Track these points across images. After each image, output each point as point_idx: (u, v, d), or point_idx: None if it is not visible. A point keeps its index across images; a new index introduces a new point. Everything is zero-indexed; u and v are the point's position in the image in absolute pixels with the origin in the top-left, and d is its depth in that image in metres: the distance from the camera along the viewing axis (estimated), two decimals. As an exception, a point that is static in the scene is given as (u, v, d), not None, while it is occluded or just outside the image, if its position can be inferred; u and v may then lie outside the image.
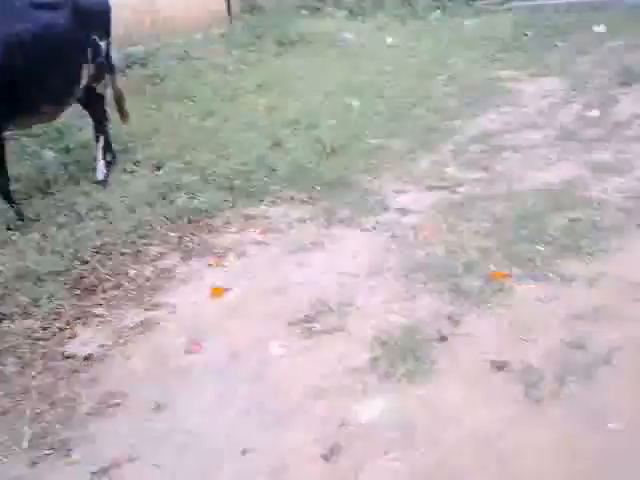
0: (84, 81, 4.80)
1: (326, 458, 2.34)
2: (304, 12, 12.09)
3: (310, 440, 2.42)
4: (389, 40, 9.90)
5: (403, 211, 4.27)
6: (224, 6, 11.07)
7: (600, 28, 9.62)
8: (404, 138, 5.73)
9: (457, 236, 3.86)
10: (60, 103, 4.72)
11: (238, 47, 9.48)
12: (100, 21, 4.96)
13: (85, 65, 4.76)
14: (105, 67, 5.11)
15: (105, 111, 5.19)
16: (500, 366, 2.76)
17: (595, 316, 3.03)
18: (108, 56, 5.15)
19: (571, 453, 2.30)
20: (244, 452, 2.38)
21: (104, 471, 2.35)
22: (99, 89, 5.07)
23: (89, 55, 4.78)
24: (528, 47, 9.20)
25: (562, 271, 3.41)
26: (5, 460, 2.42)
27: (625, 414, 2.45)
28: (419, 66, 8.32)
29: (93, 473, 2.34)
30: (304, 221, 4.19)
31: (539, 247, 3.66)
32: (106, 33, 5.03)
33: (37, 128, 5.46)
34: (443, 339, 2.95)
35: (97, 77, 4.97)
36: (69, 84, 4.69)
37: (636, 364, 2.71)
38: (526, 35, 9.85)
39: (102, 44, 4.96)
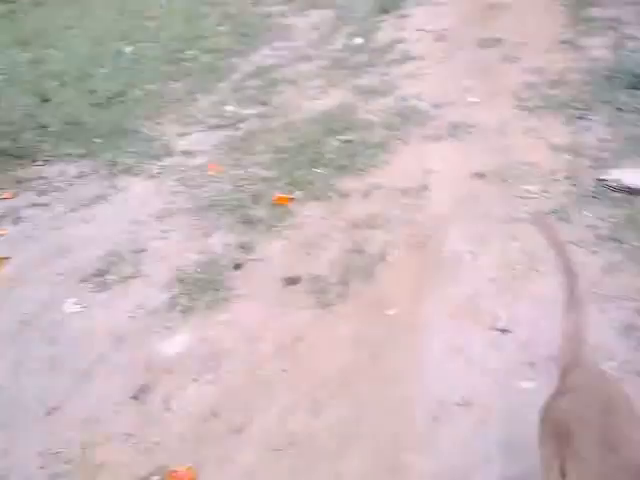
0: None
1: (137, 398, 2.41)
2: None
3: (117, 387, 2.47)
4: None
5: (188, 153, 4.29)
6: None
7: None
8: (182, 81, 5.67)
9: (242, 170, 4.00)
10: None
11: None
12: None
13: None
14: None
15: None
16: (292, 281, 2.99)
17: (370, 223, 3.36)
18: None
19: (359, 342, 2.61)
20: (50, 412, 2.37)
21: None
22: None
23: None
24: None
25: (339, 189, 3.71)
26: None
27: (399, 300, 2.81)
28: (190, 6, 8.14)
29: None
30: (85, 176, 4.05)
31: (318, 170, 3.92)
32: None
33: None
34: (238, 267, 3.10)
35: None
36: None
37: (405, 257, 3.09)
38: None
39: None
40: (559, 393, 1.58)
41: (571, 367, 1.61)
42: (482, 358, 2.45)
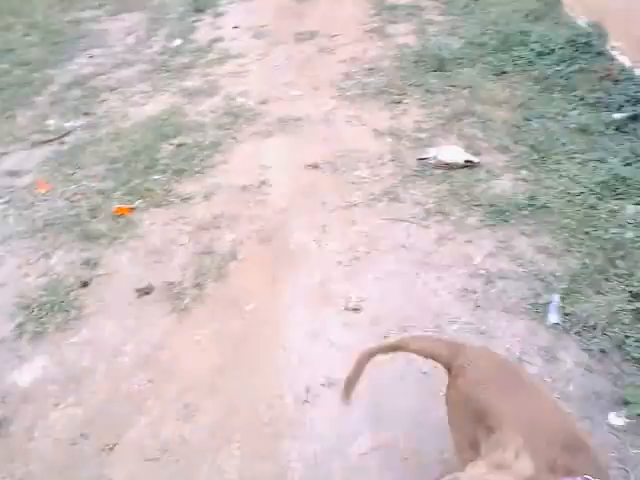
0: None
1: (-5, 437, 2.30)
2: None
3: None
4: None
5: (12, 173, 4.07)
6: None
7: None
8: (-7, 99, 5.32)
9: (75, 185, 3.87)
10: None
11: None
12: None
13: None
14: None
15: None
16: (145, 291, 2.99)
17: (216, 223, 3.43)
18: None
19: (221, 341, 2.68)
20: None
21: None
22: None
23: None
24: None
25: (180, 193, 3.73)
26: None
27: (255, 295, 2.91)
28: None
29: None
30: None
31: (155, 177, 3.90)
32: None
33: None
34: (85, 284, 3.03)
35: None
36: None
37: (255, 252, 3.20)
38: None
39: None
40: (454, 377, 1.65)
41: (453, 355, 1.69)
42: (339, 338, 2.61)
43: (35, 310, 2.84)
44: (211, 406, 2.38)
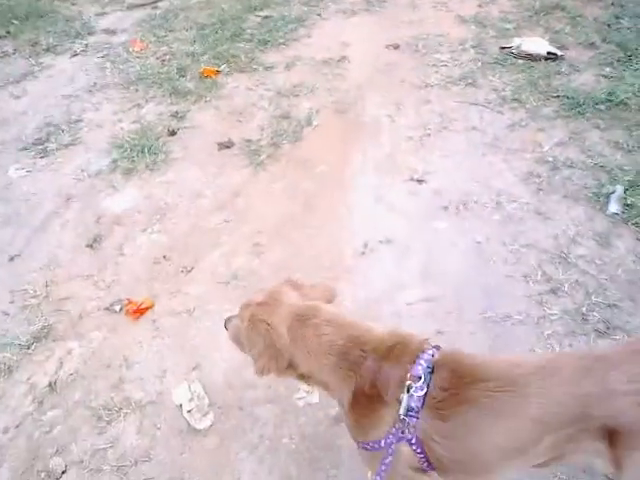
0: None
1: (91, 246, 2.63)
2: None
3: (72, 237, 2.69)
4: None
5: (110, 31, 4.30)
6: None
7: None
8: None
9: (166, 46, 4.06)
10: None
11: None
12: None
13: None
14: None
15: None
16: (226, 145, 3.20)
17: (295, 92, 3.58)
18: None
19: (291, 195, 2.89)
20: (12, 258, 2.57)
21: None
22: None
23: None
24: None
25: (263, 61, 3.87)
26: None
27: (327, 159, 3.08)
28: None
29: None
30: (7, 55, 4.01)
31: (241, 44, 4.04)
32: None
33: None
34: (173, 133, 3.28)
35: None
36: None
37: (330, 121, 3.35)
38: None
39: None
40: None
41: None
42: (401, 205, 2.77)
43: (128, 150, 3.12)
44: (278, 247, 2.60)
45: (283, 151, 3.14)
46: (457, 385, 1.22)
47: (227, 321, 1.62)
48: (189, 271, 2.53)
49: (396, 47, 3.90)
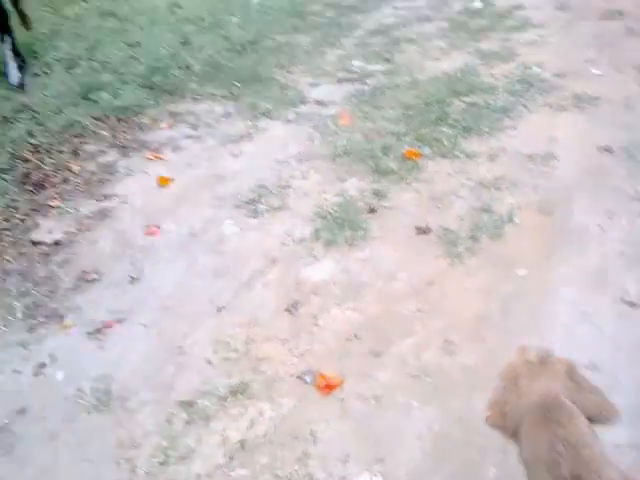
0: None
1: (290, 312, 2.74)
2: None
3: (273, 298, 2.82)
4: None
5: (320, 102, 4.55)
6: None
7: None
8: (308, 34, 5.92)
9: (371, 123, 4.22)
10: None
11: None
12: None
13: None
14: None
15: (4, 9, 4.91)
16: (423, 230, 3.22)
17: (497, 184, 3.54)
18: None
19: (489, 294, 2.81)
20: (219, 310, 2.76)
21: (98, 331, 2.67)
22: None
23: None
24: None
25: (465, 149, 3.89)
26: (5, 329, 2.69)
27: (528, 262, 2.98)
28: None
29: (89, 333, 2.66)
30: (230, 116, 4.39)
31: (444, 129, 4.10)
32: None
33: None
34: (373, 211, 3.36)
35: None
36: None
37: (533, 221, 3.25)
38: None
39: None
40: None
41: None
42: (609, 328, 2.59)
43: (330, 221, 3.24)
44: (471, 349, 2.53)
45: (481, 245, 3.10)
46: None
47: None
48: (379, 355, 2.54)
49: (609, 150, 3.75)
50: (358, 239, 3.15)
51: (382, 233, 3.22)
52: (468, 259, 3.02)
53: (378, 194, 3.49)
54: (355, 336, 2.63)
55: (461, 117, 4.23)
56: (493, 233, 3.16)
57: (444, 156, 3.83)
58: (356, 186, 3.57)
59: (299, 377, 2.44)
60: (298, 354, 2.54)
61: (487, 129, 4.08)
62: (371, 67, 5.16)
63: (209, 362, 2.52)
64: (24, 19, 5.17)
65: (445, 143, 3.94)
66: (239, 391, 2.38)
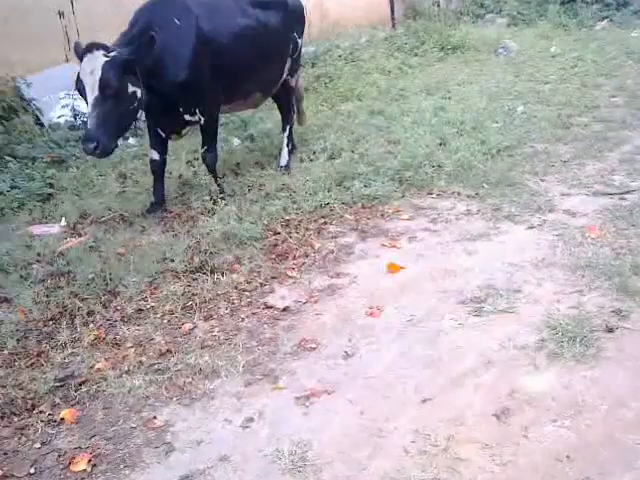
0: (284, 74, 5.38)
1: (498, 417, 2.60)
2: (465, 19, 12.20)
3: (482, 400, 2.71)
4: (553, 49, 9.77)
5: (570, 212, 4.38)
6: (388, 11, 11.50)
7: None
8: (569, 144, 5.79)
9: (625, 239, 3.93)
10: (267, 92, 5.37)
11: (401, 51, 9.83)
12: (299, 20, 5.52)
13: (288, 59, 5.33)
14: (299, 62, 5.67)
15: (292, 103, 5.73)
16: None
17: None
18: (300, 52, 5.70)
19: None
20: (424, 401, 2.72)
21: (306, 398, 2.80)
22: (292, 82, 5.63)
23: (290, 50, 5.35)
24: None
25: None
26: (226, 379, 2.97)
27: None
28: (584, 75, 8.20)
29: (297, 398, 2.81)
30: (471, 214, 4.45)
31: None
32: (302, 31, 5.59)
33: (224, 118, 6.14)
34: (610, 330, 3.08)
35: (292, 71, 5.54)
36: (276, 76, 5.31)
37: None
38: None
39: (299, 41, 5.52)
40: None
41: None
42: None
43: (559, 333, 3.04)
44: None
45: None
46: None
47: None
48: (590, 486, 2.27)
49: None
50: (589, 357, 2.91)
51: (617, 355, 2.93)
52: None
53: (620, 313, 3.21)
54: (567, 457, 2.40)
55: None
56: None
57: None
58: (595, 301, 3.33)
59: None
60: (500, 463, 2.39)
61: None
62: (635, 184, 4.84)
63: (406, 451, 2.48)
64: (300, 116, 5.95)
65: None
66: (435, 487, 2.30)
